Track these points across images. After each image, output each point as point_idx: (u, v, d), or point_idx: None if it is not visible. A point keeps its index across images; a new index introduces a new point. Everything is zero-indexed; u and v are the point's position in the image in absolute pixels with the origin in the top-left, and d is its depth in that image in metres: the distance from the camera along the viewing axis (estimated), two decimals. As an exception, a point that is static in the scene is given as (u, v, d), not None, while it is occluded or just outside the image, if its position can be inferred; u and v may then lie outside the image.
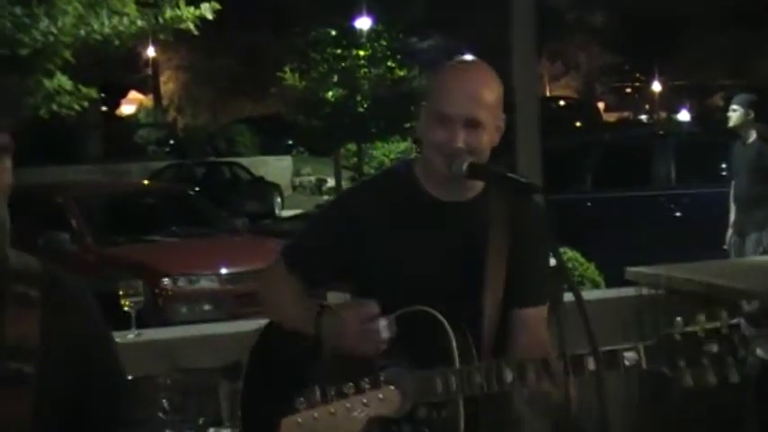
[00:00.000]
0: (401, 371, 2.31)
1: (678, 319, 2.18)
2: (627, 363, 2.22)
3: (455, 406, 2.31)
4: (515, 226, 2.43)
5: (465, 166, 2.34)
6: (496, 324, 2.42)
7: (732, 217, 7.78)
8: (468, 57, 2.55)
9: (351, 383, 1.76)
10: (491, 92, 2.39)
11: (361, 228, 2.42)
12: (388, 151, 25.99)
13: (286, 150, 30.22)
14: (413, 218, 2.43)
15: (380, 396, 1.69)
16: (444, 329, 2.31)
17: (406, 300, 2.35)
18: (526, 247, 2.44)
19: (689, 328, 2.17)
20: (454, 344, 2.32)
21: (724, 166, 8.11)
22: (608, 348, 2.25)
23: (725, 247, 7.80)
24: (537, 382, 2.21)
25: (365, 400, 1.68)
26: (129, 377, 2.95)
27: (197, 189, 17.24)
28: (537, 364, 2.21)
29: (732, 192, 7.83)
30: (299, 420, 2.06)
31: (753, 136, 7.57)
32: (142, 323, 4.12)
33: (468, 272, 2.41)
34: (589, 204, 11.47)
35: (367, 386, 1.75)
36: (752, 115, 7.54)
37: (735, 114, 7.58)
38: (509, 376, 2.25)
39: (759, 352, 3.27)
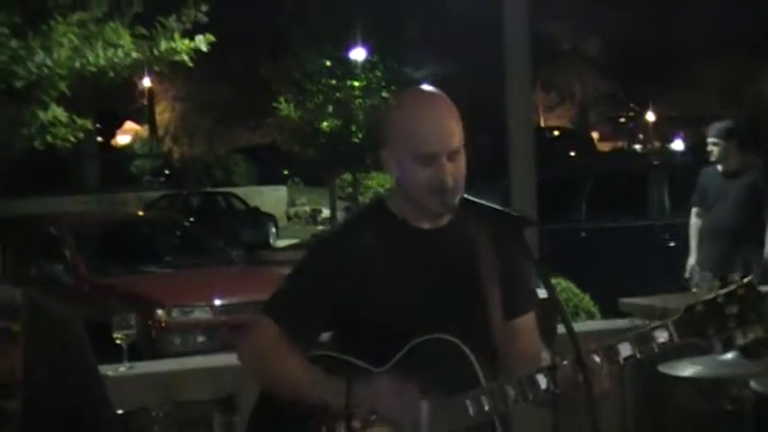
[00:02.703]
0: (425, 403, 2.27)
1: (694, 289, 2.26)
2: (660, 341, 2.29)
3: (489, 428, 2.33)
4: (499, 239, 2.48)
5: (457, 204, 2.37)
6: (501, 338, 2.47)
7: (695, 249, 6.89)
8: (420, 88, 2.56)
9: (342, 424, 1.74)
10: (457, 117, 2.43)
11: (357, 272, 2.38)
12: (383, 181, 25.94)
13: (282, 180, 30.24)
14: (403, 250, 2.44)
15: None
16: (462, 353, 2.34)
17: (410, 331, 2.35)
18: (513, 259, 2.51)
19: (707, 297, 2.27)
20: (476, 365, 2.35)
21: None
22: (640, 331, 2.32)
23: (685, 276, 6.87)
24: (572, 378, 2.23)
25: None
26: (122, 411, 2.94)
27: (192, 219, 17.24)
28: (570, 362, 2.24)
29: (696, 222, 7.12)
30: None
31: (736, 166, 6.96)
32: (136, 354, 4.11)
33: (466, 292, 2.44)
34: (583, 234, 11.48)
35: (358, 425, 1.73)
36: (722, 145, 6.91)
37: (715, 149, 6.98)
38: (542, 382, 2.30)
39: (753, 384, 3.27)
